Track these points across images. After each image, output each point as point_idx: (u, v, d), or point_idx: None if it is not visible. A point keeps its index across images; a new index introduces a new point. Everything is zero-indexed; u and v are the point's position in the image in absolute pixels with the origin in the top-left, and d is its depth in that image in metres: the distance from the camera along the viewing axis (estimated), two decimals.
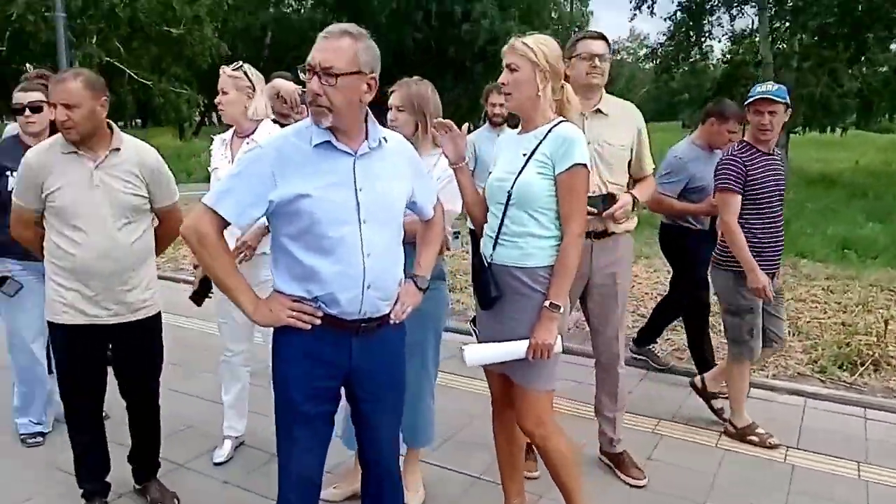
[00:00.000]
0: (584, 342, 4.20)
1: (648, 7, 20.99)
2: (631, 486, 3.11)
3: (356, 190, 1.96)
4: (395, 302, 2.12)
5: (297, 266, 1.97)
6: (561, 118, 2.41)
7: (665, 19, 21.49)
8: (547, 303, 2.31)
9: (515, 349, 2.34)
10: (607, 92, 3.04)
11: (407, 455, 2.99)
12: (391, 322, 2.11)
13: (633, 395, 4.04)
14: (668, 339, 5.14)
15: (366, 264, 1.97)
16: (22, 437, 3.44)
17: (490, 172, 2.51)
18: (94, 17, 23.00)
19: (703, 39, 21.56)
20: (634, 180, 3.12)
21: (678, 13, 21.00)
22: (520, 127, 2.49)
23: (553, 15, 38.33)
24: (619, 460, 3.21)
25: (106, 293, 2.60)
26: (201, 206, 1.97)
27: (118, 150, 2.60)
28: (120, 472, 2.91)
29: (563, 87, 2.42)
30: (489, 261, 2.42)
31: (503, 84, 2.40)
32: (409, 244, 2.42)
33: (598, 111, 2.98)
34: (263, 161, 1.94)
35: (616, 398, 3.20)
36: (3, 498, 2.96)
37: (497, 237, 2.40)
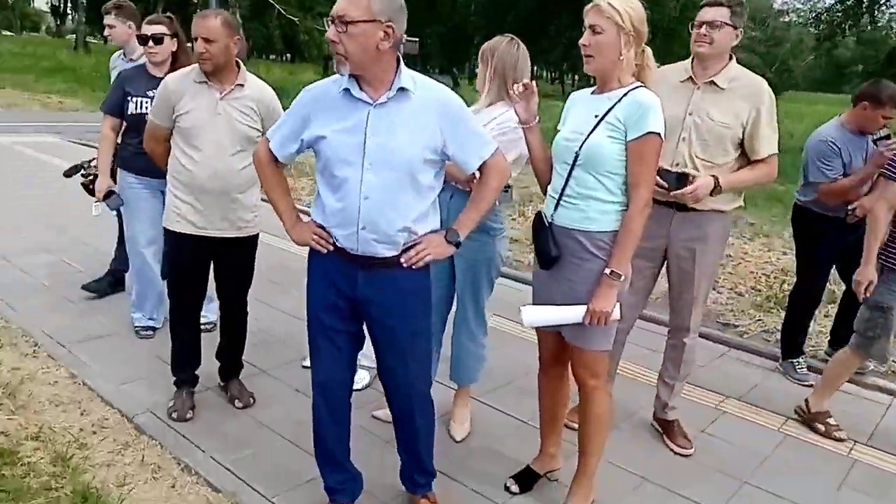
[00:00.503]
0: (665, 312, 4.16)
1: None
2: (675, 453, 3.12)
3: (365, 136, 2.06)
4: (411, 247, 2.18)
5: (320, 198, 2.20)
6: (639, 83, 2.33)
7: None
8: (607, 270, 2.26)
9: (573, 314, 2.32)
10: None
11: (457, 391, 3.19)
12: (403, 264, 2.18)
13: (703, 369, 3.98)
14: (759, 320, 4.98)
15: (361, 206, 2.09)
16: (136, 328, 3.97)
17: (558, 131, 2.47)
18: None
19: (875, 6, 19.34)
20: (750, 162, 2.90)
21: None
22: (594, 87, 2.42)
23: None
24: (668, 427, 3.23)
25: (214, 209, 2.94)
26: (265, 136, 2.30)
27: (242, 85, 2.92)
28: (209, 368, 3.30)
29: (643, 51, 2.34)
30: (550, 221, 2.40)
31: (584, 45, 2.31)
32: (465, 192, 2.52)
33: (713, 83, 2.83)
34: (305, 104, 2.18)
35: (679, 367, 3.20)
36: (114, 375, 3.47)
37: (560, 198, 2.36)
